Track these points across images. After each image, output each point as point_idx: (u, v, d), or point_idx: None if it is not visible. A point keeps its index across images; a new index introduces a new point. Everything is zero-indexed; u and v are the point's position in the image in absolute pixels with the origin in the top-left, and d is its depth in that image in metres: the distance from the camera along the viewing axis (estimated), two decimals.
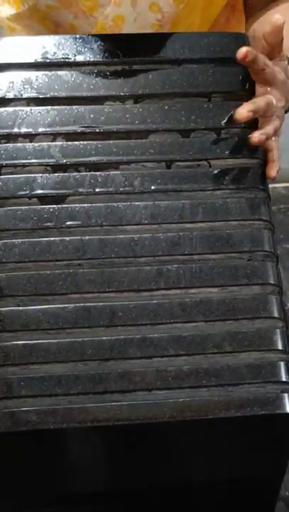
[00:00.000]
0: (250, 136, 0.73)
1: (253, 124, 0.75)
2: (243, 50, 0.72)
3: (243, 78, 0.77)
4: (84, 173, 0.73)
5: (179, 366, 0.68)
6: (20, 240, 0.71)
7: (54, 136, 0.74)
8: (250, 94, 0.77)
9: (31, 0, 0.83)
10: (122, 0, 0.81)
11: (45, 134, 0.74)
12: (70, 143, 0.74)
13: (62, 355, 0.68)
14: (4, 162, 0.73)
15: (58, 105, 0.75)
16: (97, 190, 0.73)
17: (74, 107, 0.75)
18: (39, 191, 0.72)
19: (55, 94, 0.75)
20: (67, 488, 0.74)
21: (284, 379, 0.68)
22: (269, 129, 0.75)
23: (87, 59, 0.76)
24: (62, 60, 0.76)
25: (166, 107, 0.76)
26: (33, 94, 0.75)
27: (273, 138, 0.76)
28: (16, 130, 0.74)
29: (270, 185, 0.77)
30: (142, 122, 0.75)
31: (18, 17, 0.87)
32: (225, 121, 0.75)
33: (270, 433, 0.69)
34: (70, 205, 0.72)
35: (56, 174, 0.73)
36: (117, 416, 0.67)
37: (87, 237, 0.71)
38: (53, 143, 0.74)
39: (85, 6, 0.83)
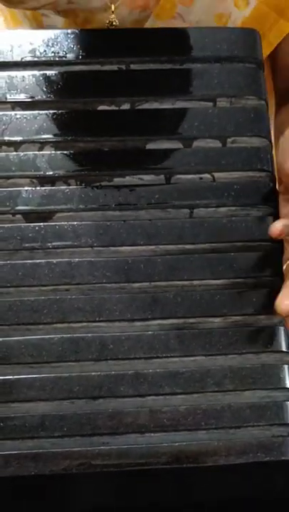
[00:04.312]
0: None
1: (265, 135, 0.68)
2: (277, 227, 0.63)
3: (252, 80, 0.69)
4: (74, 187, 0.66)
5: (176, 406, 0.62)
6: (1, 262, 0.64)
7: (41, 144, 0.67)
8: (260, 99, 0.69)
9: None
10: None
11: (31, 142, 0.67)
12: (58, 152, 0.67)
13: (46, 393, 0.62)
14: None
15: (47, 110, 0.67)
16: (88, 206, 0.66)
17: (64, 111, 0.68)
18: (24, 207, 0.65)
19: (44, 97, 0.68)
20: None
21: None
22: None
23: (80, 57, 0.69)
24: (51, 58, 0.69)
25: (166, 112, 0.68)
26: (19, 97, 0.68)
27: None
28: None
29: None
30: (139, 129, 0.68)
31: None
32: (231, 128, 0.68)
33: (274, 480, 0.63)
34: (58, 223, 0.65)
35: (43, 188, 0.66)
36: (106, 461, 0.61)
37: (76, 260, 0.64)
38: (40, 152, 0.67)
39: None
